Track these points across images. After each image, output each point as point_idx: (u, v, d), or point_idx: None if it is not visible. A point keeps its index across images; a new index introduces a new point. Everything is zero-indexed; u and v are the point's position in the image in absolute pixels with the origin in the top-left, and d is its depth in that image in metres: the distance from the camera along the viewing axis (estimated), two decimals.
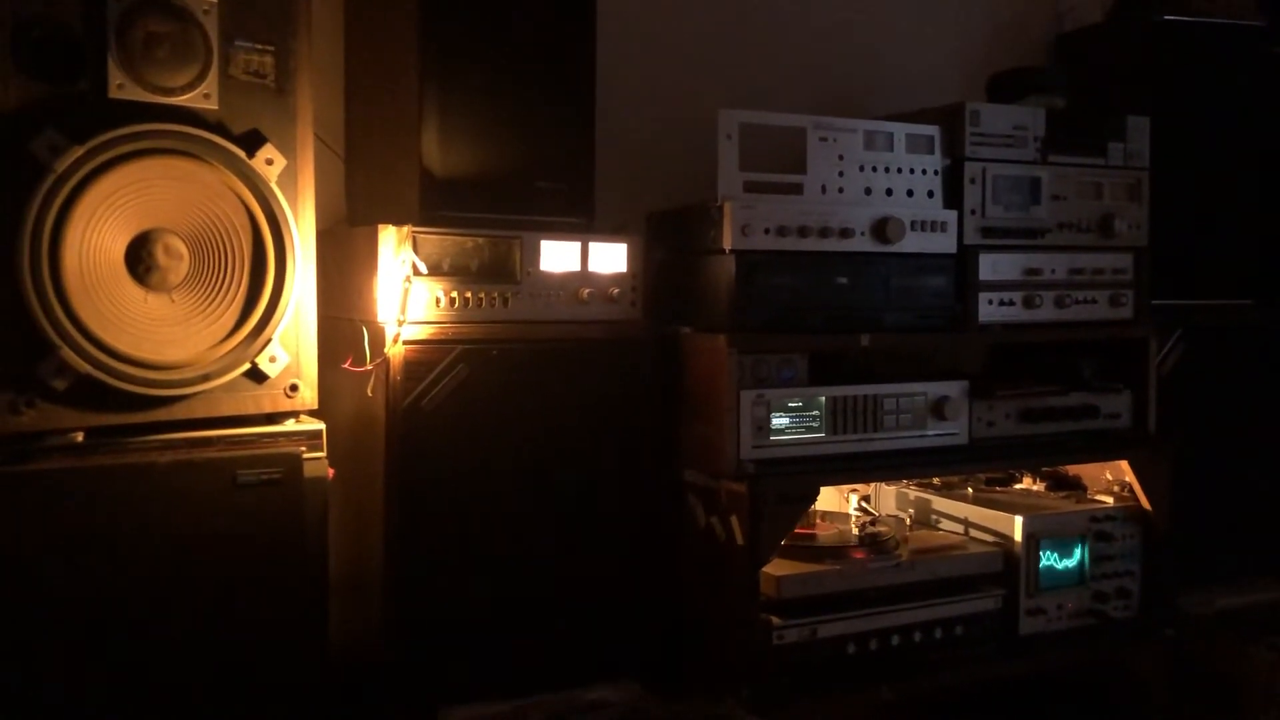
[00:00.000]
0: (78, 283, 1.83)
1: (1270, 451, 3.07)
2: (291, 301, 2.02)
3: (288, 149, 2.03)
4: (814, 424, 2.36)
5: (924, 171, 2.51)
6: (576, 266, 2.29)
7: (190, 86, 1.94)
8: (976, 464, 2.65)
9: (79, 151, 1.82)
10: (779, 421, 2.32)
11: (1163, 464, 2.66)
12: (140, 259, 1.90)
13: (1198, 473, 2.83)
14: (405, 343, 2.11)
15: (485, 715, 2.11)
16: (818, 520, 2.53)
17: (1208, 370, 2.98)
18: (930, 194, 2.52)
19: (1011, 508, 2.60)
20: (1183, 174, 2.93)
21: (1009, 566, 2.52)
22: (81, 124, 1.83)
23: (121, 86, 1.88)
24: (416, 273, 2.13)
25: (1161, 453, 2.67)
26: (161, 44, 1.90)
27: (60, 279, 1.81)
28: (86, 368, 1.84)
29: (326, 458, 2.06)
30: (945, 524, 2.70)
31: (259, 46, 2.02)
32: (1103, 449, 2.70)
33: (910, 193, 2.50)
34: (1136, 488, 2.67)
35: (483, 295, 2.20)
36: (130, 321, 1.89)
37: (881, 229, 2.40)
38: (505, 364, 2.21)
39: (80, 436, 1.88)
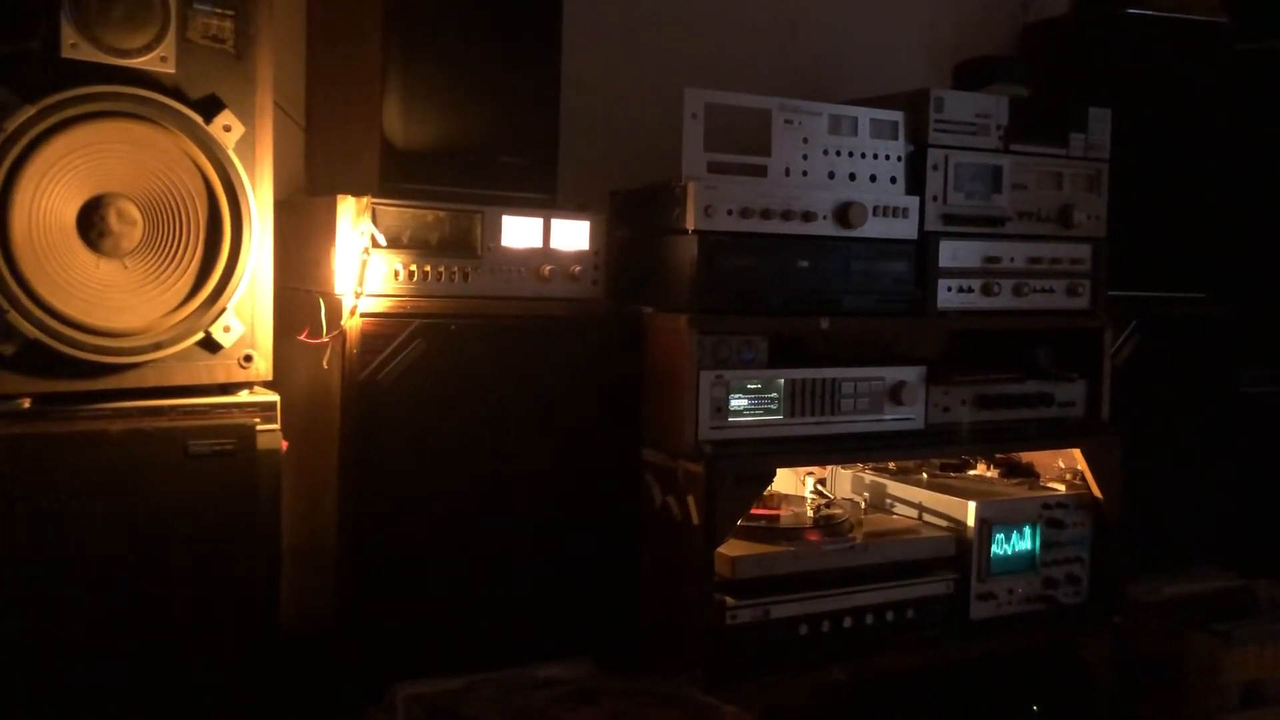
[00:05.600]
0: (26, 246, 1.80)
1: (1218, 443, 3.12)
2: (247, 271, 2.00)
3: (246, 116, 2.00)
4: (772, 406, 2.36)
5: (887, 157, 2.52)
6: (538, 243, 2.28)
7: (147, 49, 1.90)
8: (932, 449, 2.67)
9: (30, 111, 1.78)
10: (738, 403, 2.32)
11: (1114, 453, 2.70)
12: (92, 224, 1.86)
13: (1148, 462, 2.87)
14: (362, 315, 2.09)
15: (437, 691, 2.10)
16: (780, 502, 2.54)
17: (1161, 362, 3.01)
18: (893, 179, 2.53)
19: (965, 493, 2.62)
20: (1142, 167, 2.95)
21: (961, 551, 2.55)
22: (33, 83, 1.79)
23: (75, 46, 1.84)
24: (375, 245, 2.11)
25: (1113, 442, 2.70)
26: (117, 4, 1.86)
27: (8, 241, 1.78)
28: (34, 332, 1.80)
29: (280, 429, 2.04)
30: (899, 508, 2.72)
31: (219, 10, 1.98)
32: (1056, 437, 2.73)
33: (873, 178, 2.50)
34: (1088, 476, 2.70)
35: (442, 269, 2.18)
36: (81, 287, 1.86)
37: (844, 213, 2.41)
38: (464, 340, 2.19)
39: (27, 403, 1.84)
